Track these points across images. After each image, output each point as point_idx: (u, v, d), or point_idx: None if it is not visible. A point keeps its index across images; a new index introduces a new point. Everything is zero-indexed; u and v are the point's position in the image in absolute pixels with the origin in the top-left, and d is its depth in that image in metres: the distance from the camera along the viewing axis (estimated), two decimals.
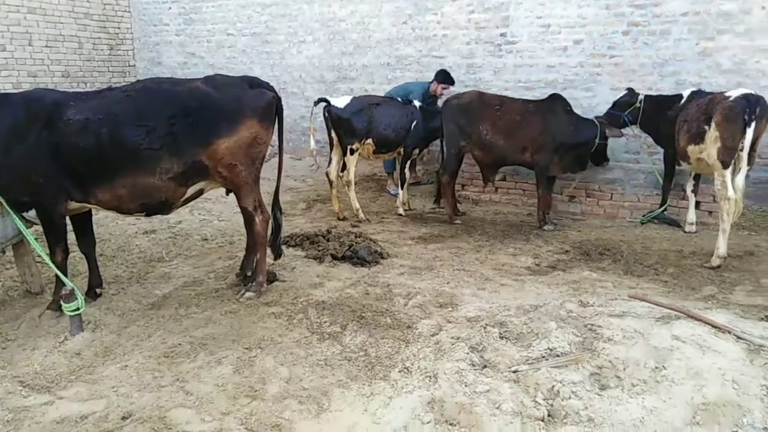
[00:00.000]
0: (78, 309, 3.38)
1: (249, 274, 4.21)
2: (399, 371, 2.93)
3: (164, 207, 3.78)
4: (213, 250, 5.18)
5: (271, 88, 3.94)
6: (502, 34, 7.67)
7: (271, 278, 4.26)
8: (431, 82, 7.19)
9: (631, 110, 6.21)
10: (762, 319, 3.55)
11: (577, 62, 7.32)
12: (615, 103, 6.36)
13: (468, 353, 2.94)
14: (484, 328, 3.24)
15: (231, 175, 3.77)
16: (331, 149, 6.36)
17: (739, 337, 2.76)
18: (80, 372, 3.04)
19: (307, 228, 5.81)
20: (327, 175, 6.41)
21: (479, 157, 6.32)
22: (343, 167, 6.35)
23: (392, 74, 8.72)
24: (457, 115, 6.20)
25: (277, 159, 4.26)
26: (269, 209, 4.13)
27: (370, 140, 6.29)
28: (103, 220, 5.67)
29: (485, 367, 2.84)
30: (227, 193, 4.10)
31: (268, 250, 4.17)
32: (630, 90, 6.35)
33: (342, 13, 8.89)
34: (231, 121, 3.63)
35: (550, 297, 3.95)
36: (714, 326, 2.86)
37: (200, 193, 3.97)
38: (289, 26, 9.43)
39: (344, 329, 3.46)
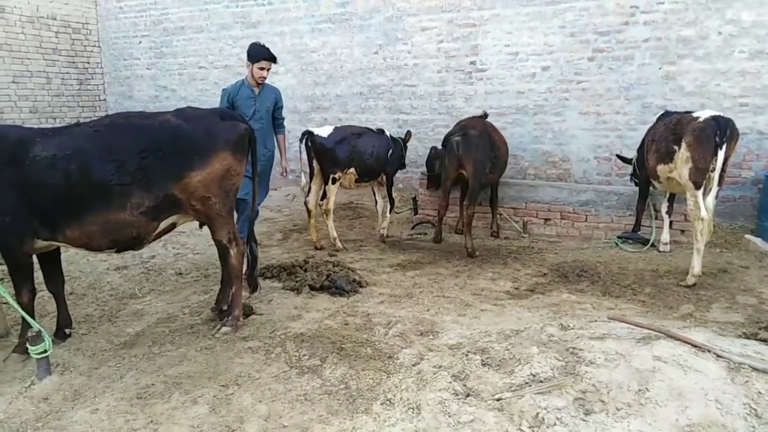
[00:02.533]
0: (45, 351, 3.24)
1: (225, 308, 4.10)
2: (381, 403, 2.86)
3: (136, 242, 3.68)
4: (187, 285, 5.07)
5: (243, 120, 3.92)
6: (471, 62, 7.83)
7: (248, 312, 4.16)
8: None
9: (633, 170, 6.41)
10: (740, 336, 3.59)
11: (545, 88, 7.49)
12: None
13: (450, 382, 2.89)
14: (466, 355, 3.20)
15: (204, 208, 3.71)
16: (311, 179, 6.34)
17: (719, 356, 2.76)
18: (48, 418, 2.90)
19: (284, 259, 5.73)
20: (305, 204, 6.37)
21: None
22: (323, 196, 6.33)
23: (365, 103, 8.81)
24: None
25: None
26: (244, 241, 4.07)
27: (352, 169, 6.31)
28: (73, 257, 5.52)
29: (468, 395, 2.79)
30: (200, 226, 4.02)
31: (244, 283, 4.09)
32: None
33: (313, 44, 8.99)
34: (203, 154, 3.59)
35: (531, 321, 3.94)
36: (694, 345, 2.87)
37: (173, 226, 3.89)
38: None
39: (324, 362, 3.38)
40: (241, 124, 3.84)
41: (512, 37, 7.57)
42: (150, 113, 3.88)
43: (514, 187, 7.08)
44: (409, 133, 6.99)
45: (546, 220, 6.89)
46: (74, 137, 3.46)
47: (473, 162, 5.96)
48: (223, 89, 5.28)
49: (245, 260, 4.07)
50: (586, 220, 6.69)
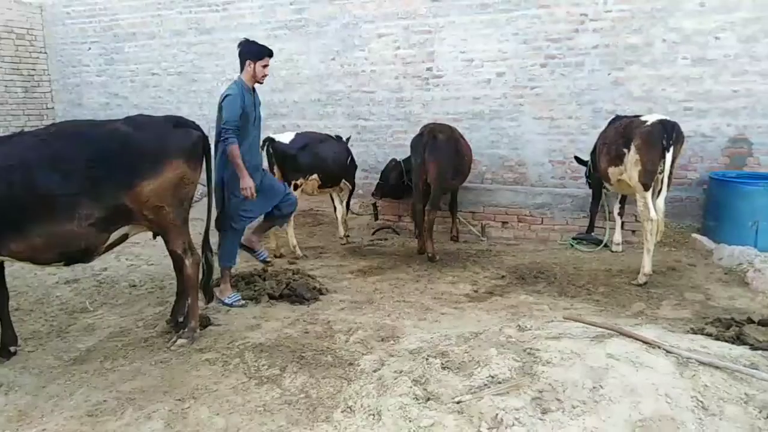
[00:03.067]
0: None
1: (181, 320, 4.00)
2: (342, 411, 2.84)
3: (85, 255, 3.55)
4: (142, 297, 4.92)
5: (197, 127, 3.84)
6: (428, 69, 7.91)
7: (205, 323, 4.08)
8: (242, 71, 4.68)
9: (588, 171, 6.54)
10: (688, 331, 3.72)
11: (501, 94, 7.63)
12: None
13: (411, 387, 2.89)
14: (426, 359, 3.21)
15: (157, 218, 3.62)
16: None
17: (668, 351, 2.86)
18: None
19: (242, 268, 5.64)
20: None
21: None
22: None
23: (323, 110, 8.79)
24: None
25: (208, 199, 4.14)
26: (200, 251, 3.98)
27: (315, 175, 6.26)
28: (19, 271, 5.28)
29: (429, 399, 2.80)
30: (154, 237, 3.92)
31: (200, 294, 4.00)
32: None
33: None
34: (155, 162, 3.50)
35: (490, 323, 3.99)
36: (645, 342, 2.97)
37: (125, 237, 3.78)
38: (216, 64, 9.34)
39: (283, 371, 3.34)
40: (195, 132, 3.77)
41: (467, 43, 7.69)
42: (99, 121, 3.77)
43: (472, 191, 7.18)
44: (348, 139, 7.08)
45: (504, 223, 7.01)
46: (18, 147, 3.32)
47: (437, 167, 5.93)
48: (232, 95, 4.48)
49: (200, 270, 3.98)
50: (542, 223, 6.83)
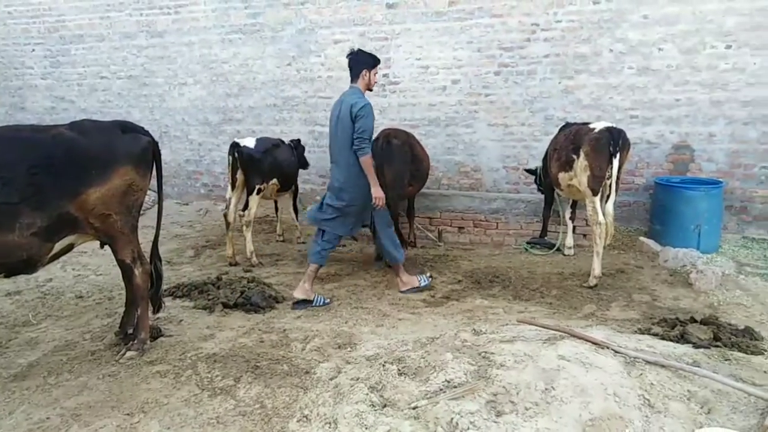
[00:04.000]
0: None
1: (130, 331, 3.88)
2: (297, 421, 2.81)
3: (27, 266, 3.39)
4: (89, 309, 4.74)
5: (146, 132, 3.74)
6: (384, 75, 7.95)
7: (156, 334, 3.96)
8: (358, 78, 4.85)
9: (537, 177, 6.82)
10: (635, 331, 3.85)
11: (456, 101, 7.74)
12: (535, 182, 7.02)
13: (367, 394, 2.88)
14: (383, 365, 3.21)
15: (105, 227, 3.50)
16: (232, 190, 6.16)
17: (616, 352, 2.95)
18: None
19: (195, 276, 5.52)
20: (225, 216, 6.18)
21: None
22: (243, 207, 6.19)
23: (279, 115, 8.72)
24: None
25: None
26: (150, 260, 3.88)
27: (275, 179, 6.32)
28: None
29: (385, 406, 2.79)
30: (102, 246, 3.78)
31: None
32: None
33: (224, 55, 8.78)
34: (102, 169, 3.39)
35: (446, 328, 4.02)
36: (594, 343, 3.05)
37: (70, 247, 3.62)
38: (168, 68, 9.14)
39: (238, 382, 3.27)
40: (144, 137, 3.67)
41: (423, 51, 7.78)
42: (43, 126, 3.61)
43: (429, 197, 7.24)
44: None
45: (460, 228, 7.09)
46: None
47: (393, 172, 5.94)
48: (368, 104, 4.67)
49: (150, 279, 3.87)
50: (497, 228, 6.95)
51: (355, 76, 4.83)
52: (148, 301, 3.83)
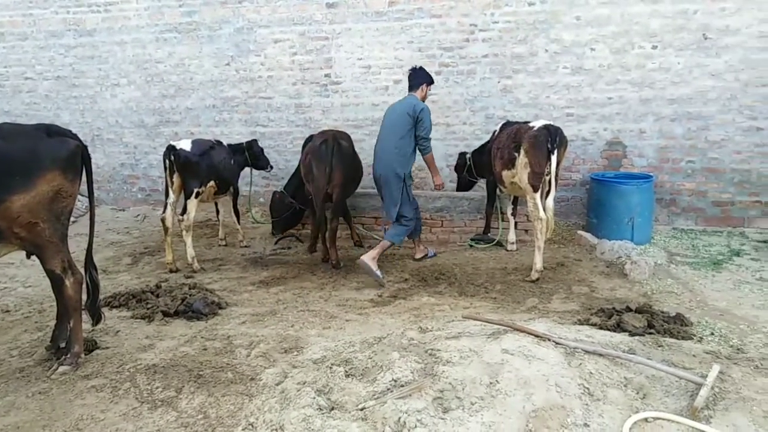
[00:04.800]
0: None
1: (63, 345, 3.68)
2: (243, 429, 2.74)
3: None
4: (17, 323, 4.47)
5: (74, 136, 3.55)
6: (326, 75, 7.90)
7: (90, 346, 3.77)
8: (417, 89, 5.79)
9: (467, 168, 6.98)
10: (575, 323, 3.98)
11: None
12: (456, 167, 7.24)
13: (314, 398, 2.84)
14: (330, 368, 3.18)
15: (31, 236, 3.30)
16: (168, 194, 5.94)
17: (557, 343, 3.04)
18: None
19: (133, 285, 5.30)
20: (163, 221, 5.95)
21: None
22: (182, 212, 6.00)
23: (219, 116, 8.51)
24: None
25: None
26: (82, 269, 3.69)
27: (212, 182, 6.17)
28: None
29: (333, 409, 2.77)
30: (28, 256, 3.57)
31: (84, 315, 3.70)
32: (460, 154, 7.17)
33: (158, 54, 8.49)
34: (26, 175, 3.19)
35: (393, 327, 4.03)
36: (536, 336, 3.13)
37: None
38: (99, 69, 8.75)
39: (180, 392, 3.16)
40: (72, 141, 3.48)
41: (364, 50, 7.77)
42: None
43: (374, 197, 7.22)
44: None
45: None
46: None
47: (342, 174, 5.90)
48: (427, 108, 5.67)
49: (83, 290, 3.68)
50: (442, 225, 7.02)
51: (413, 87, 5.79)
52: (81, 312, 3.64)
